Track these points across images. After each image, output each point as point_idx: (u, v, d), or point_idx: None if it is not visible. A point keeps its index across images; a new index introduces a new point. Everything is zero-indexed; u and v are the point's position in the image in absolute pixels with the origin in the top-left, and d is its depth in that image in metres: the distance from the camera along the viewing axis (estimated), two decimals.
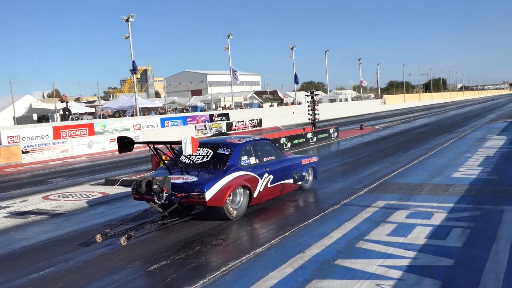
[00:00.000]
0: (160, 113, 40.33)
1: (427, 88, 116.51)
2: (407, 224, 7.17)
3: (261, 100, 57.76)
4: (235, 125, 35.29)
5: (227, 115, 38.17)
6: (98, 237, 6.81)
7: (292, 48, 51.29)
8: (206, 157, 8.30)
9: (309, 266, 5.60)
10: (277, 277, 5.30)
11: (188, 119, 35.04)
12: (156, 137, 27.76)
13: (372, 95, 78.39)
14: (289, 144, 19.08)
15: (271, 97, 61.55)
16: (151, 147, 8.14)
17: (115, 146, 24.96)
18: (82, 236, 7.60)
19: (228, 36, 42.61)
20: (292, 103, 55.99)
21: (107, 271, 5.84)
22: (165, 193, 7.43)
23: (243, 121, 36.54)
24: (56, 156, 22.47)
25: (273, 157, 9.24)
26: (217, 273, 5.53)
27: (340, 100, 68.60)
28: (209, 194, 7.45)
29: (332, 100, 66.37)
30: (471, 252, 5.87)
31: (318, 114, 23.93)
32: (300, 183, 9.85)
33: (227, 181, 7.78)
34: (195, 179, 7.68)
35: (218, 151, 8.35)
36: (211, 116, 36.97)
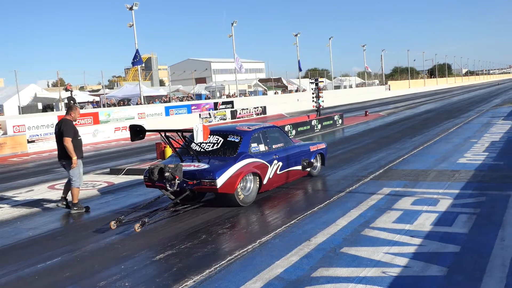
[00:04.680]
0: (165, 102, 40.29)
1: (432, 73, 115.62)
2: (413, 211, 7.13)
3: (266, 88, 57.58)
4: (240, 113, 35.21)
5: (231, 103, 38.07)
6: (113, 224, 6.94)
7: (296, 35, 51.03)
8: (216, 144, 8.42)
9: (315, 254, 5.58)
10: (283, 265, 5.28)
11: (193, 107, 34.98)
12: (161, 126, 27.77)
13: (377, 81, 77.93)
14: (293, 132, 19.00)
15: (276, 84, 61.34)
16: (163, 135, 8.22)
17: (119, 135, 25.14)
18: (88, 226, 7.62)
19: (232, 24, 42.38)
20: (297, 90, 55.79)
21: (113, 261, 5.84)
22: (177, 180, 7.53)
23: (247, 108, 36.43)
24: None
25: (282, 144, 9.34)
26: (223, 262, 5.52)
27: (345, 87, 68.26)
28: (220, 181, 7.55)
29: (337, 87, 66.06)
30: (477, 238, 5.84)
31: (323, 101, 23.81)
32: (308, 169, 9.93)
33: (237, 168, 7.87)
34: (206, 166, 7.80)
35: (228, 139, 8.46)
36: (216, 104, 36.89)
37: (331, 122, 22.28)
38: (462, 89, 74.35)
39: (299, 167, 9.62)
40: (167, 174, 7.52)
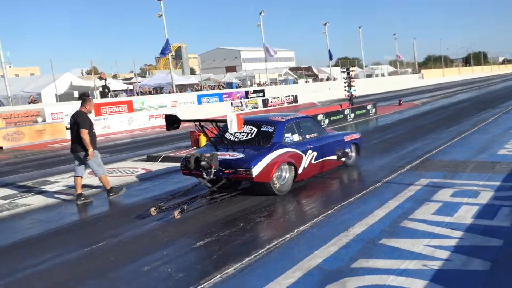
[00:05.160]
0: (196, 90, 40.62)
1: (466, 62, 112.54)
2: (453, 203, 7.01)
3: (296, 76, 57.29)
4: (271, 101, 35.16)
5: (262, 91, 38.08)
6: (153, 210, 7.08)
7: (325, 24, 50.52)
8: (250, 134, 8.51)
9: (353, 245, 5.57)
10: (322, 256, 5.29)
11: (224, 96, 35.16)
12: (193, 114, 28.04)
13: (410, 69, 76.45)
14: (326, 121, 18.88)
15: (306, 73, 60.92)
16: (197, 125, 8.45)
17: (154, 122, 25.53)
18: (129, 212, 7.79)
19: (260, 13, 42.22)
20: (328, 79, 55.31)
21: (155, 247, 5.98)
22: (213, 169, 7.67)
23: (278, 97, 36.35)
24: (98, 132, 22.73)
25: (315, 134, 9.35)
26: (262, 250, 5.57)
27: (377, 76, 67.24)
28: (256, 170, 7.68)
29: (368, 76, 65.09)
30: None
31: (355, 90, 23.56)
32: (343, 159, 9.94)
33: (272, 157, 7.97)
34: (241, 155, 7.94)
35: (262, 129, 8.54)
36: (247, 92, 36.96)
37: (364, 111, 22.02)
38: (500, 78, 72.07)
39: (334, 157, 9.62)
40: (203, 163, 7.67)
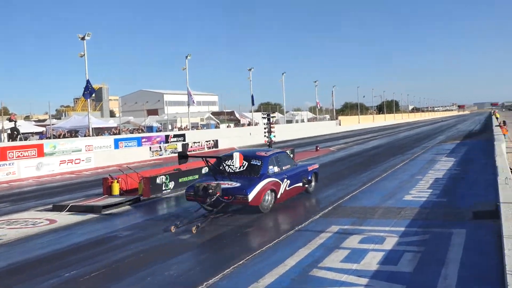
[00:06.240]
0: (114, 134, 39.52)
1: (380, 109, 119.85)
2: (360, 250, 7.23)
3: (218, 121, 57.68)
4: (191, 146, 34.96)
5: (183, 135, 37.82)
6: (173, 228, 9.04)
7: (249, 70, 51.87)
8: (242, 166, 10.62)
9: None
10: None
11: (143, 140, 34.46)
12: (109, 159, 27.11)
13: (328, 116, 79.85)
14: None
15: (228, 117, 61.58)
16: (205, 159, 10.65)
17: (65, 168, 24.33)
18: (20, 270, 7.20)
19: (186, 57, 42.55)
20: (249, 124, 56.24)
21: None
22: (218, 195, 9.68)
23: (199, 142, 36.26)
24: (1, 179, 21.42)
25: (289, 166, 11.71)
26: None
27: (297, 121, 69.45)
28: (251, 196, 9.86)
29: (289, 121, 67.07)
30: (422, 277, 5.98)
31: (274, 136, 24.10)
32: (307, 186, 12.12)
33: (261, 186, 10.16)
34: (238, 184, 10.02)
35: (251, 162, 10.74)
36: (167, 136, 36.51)
37: None
38: (409, 125, 77.27)
39: (301, 184, 11.80)
40: (210, 191, 9.66)
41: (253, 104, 53.23)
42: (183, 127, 48.35)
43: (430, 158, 20.81)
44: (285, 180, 11.05)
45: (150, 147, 32.11)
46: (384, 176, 15.81)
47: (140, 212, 11.99)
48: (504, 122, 30.88)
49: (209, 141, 37.32)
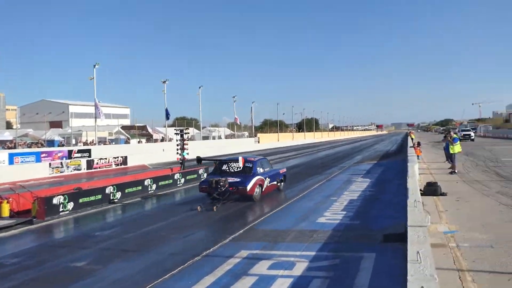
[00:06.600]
0: (9, 148, 37.22)
1: (300, 127, 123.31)
2: (269, 276, 7.27)
3: (129, 136, 56.31)
4: (97, 163, 33.66)
5: (88, 151, 36.42)
6: (199, 208, 13.75)
7: (164, 82, 51.09)
8: (238, 167, 15.61)
9: None
10: None
11: (43, 155, 32.75)
12: (1, 177, 25.29)
13: (246, 133, 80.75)
14: (154, 186, 18.57)
15: (140, 132, 60.35)
16: (216, 162, 16.54)
17: None
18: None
19: (94, 66, 41.24)
20: (162, 140, 55.42)
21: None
22: (227, 187, 14.33)
23: (106, 158, 35.00)
24: None
25: (268, 168, 16.96)
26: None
27: (214, 138, 69.57)
28: (248, 187, 14.67)
29: (205, 138, 66.99)
30: None
31: (187, 154, 23.84)
32: (279, 184, 17.51)
33: (254, 181, 15.04)
34: (239, 179, 14.85)
35: (245, 165, 15.60)
36: (70, 152, 34.99)
37: (196, 176, 22.24)
38: (328, 144, 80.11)
39: (275, 182, 17.06)
40: (221, 183, 14.34)
41: (167, 118, 52.38)
42: (89, 142, 46.58)
43: (346, 179, 21.62)
44: (267, 178, 16.09)
45: (50, 163, 30.46)
46: (300, 197, 16.17)
47: (32, 236, 11.31)
48: (419, 143, 32.80)
49: (118, 157, 36.18)
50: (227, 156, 29.16)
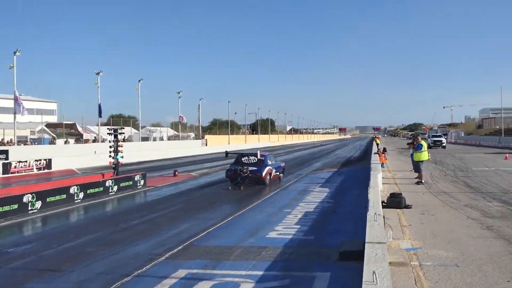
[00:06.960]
0: None
1: (254, 129, 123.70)
2: None
3: (54, 135, 54.83)
4: (15, 166, 32.58)
5: (5, 152, 35.21)
6: (230, 188, 21.52)
7: (98, 73, 50.00)
8: (254, 160, 23.04)
9: None
10: None
11: None
12: None
13: (193, 134, 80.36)
14: (81, 195, 18.08)
15: (68, 131, 58.93)
16: (239, 154, 24.73)
17: None
18: None
19: (15, 53, 39.86)
20: (95, 140, 54.36)
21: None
22: (248, 174, 21.87)
23: (26, 161, 33.92)
24: None
25: (274, 161, 25.06)
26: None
27: (155, 139, 68.85)
28: (263, 174, 22.49)
29: (145, 139, 66.18)
30: None
31: (122, 157, 23.40)
32: (280, 175, 25.37)
33: (266, 170, 22.80)
34: (255, 168, 22.34)
35: (259, 158, 23.10)
36: None
37: (131, 183, 21.89)
38: (285, 149, 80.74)
39: (278, 173, 24.81)
40: (244, 170, 21.87)
41: (100, 116, 51.23)
42: (6, 142, 45.03)
43: (302, 188, 21.87)
44: (273, 169, 23.76)
45: None
46: (251, 208, 16.22)
47: None
48: (384, 149, 33.43)
49: (40, 160, 35.18)
50: (168, 161, 29.15)
